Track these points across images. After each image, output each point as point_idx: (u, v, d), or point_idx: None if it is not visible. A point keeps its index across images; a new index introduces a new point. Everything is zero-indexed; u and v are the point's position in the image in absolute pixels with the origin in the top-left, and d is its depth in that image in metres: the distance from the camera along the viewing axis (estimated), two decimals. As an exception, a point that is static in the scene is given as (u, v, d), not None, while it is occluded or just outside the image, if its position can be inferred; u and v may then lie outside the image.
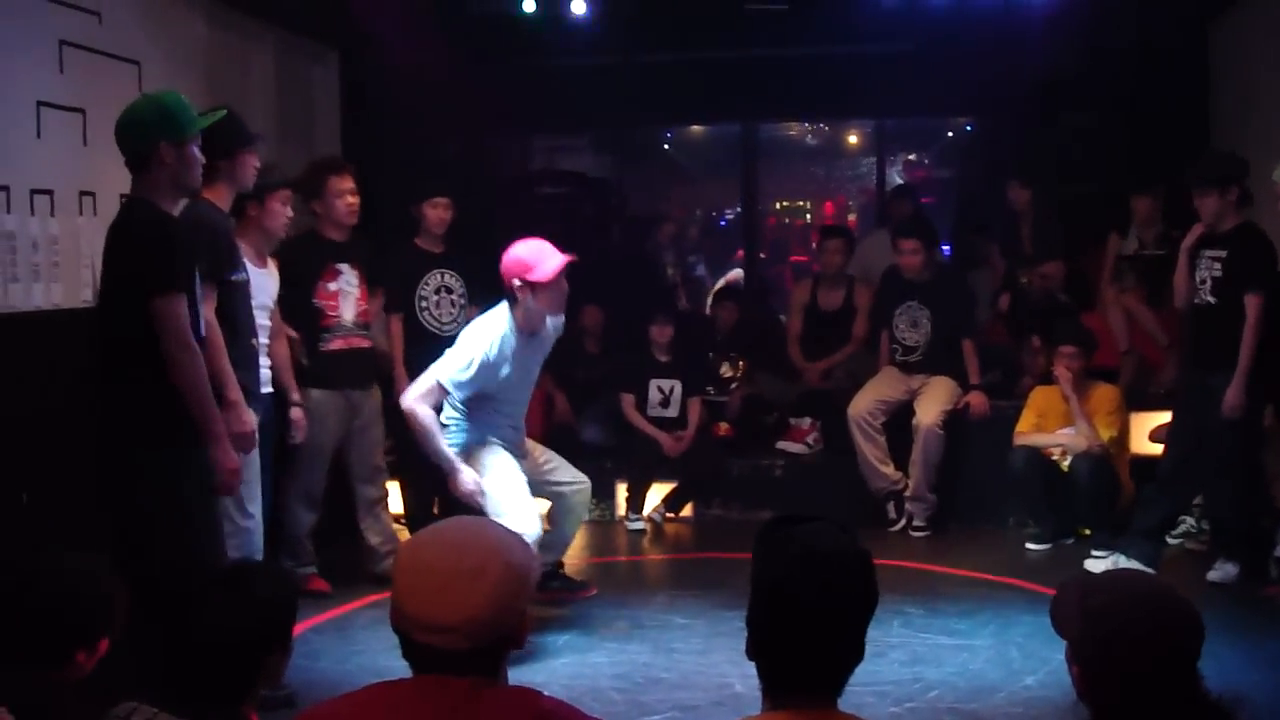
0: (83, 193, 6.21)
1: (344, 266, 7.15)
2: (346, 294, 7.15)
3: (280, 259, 6.76)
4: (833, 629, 2.55)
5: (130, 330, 4.64)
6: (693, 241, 13.69)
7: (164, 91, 5.09)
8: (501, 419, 6.36)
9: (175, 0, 7.22)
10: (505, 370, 6.17)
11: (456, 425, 6.31)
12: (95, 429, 4.78)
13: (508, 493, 6.13)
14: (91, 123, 6.27)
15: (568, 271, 6.16)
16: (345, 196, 7.11)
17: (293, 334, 6.90)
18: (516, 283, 6.09)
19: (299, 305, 6.97)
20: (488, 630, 2.43)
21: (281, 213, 6.45)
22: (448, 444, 6.18)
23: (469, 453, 6.27)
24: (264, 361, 6.33)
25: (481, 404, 6.27)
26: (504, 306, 6.20)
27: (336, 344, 7.13)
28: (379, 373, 7.61)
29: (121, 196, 6.40)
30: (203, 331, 4.89)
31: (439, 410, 6.24)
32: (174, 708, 2.73)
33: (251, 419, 5.57)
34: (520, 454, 6.43)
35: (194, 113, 4.89)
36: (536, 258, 6.10)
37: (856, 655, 2.59)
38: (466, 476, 6.16)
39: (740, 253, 13.43)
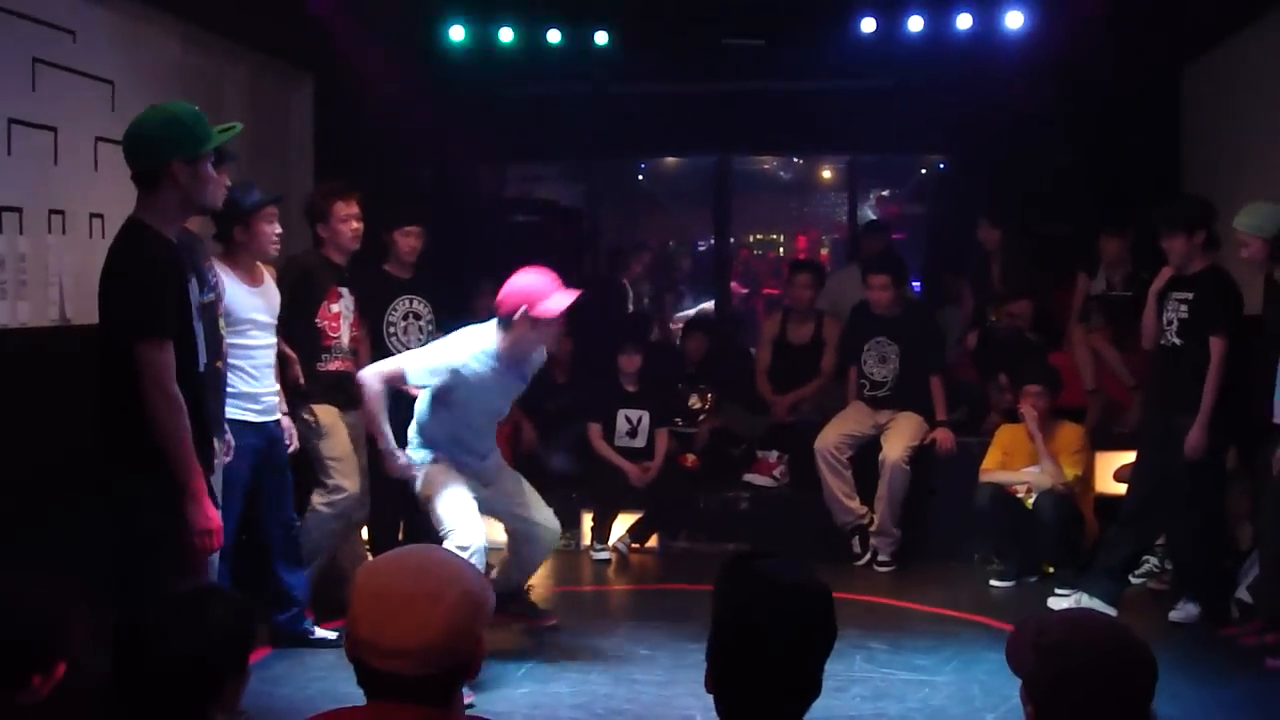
0: (52, 211, 6.19)
1: (344, 290, 7.13)
2: (345, 317, 7.13)
3: (287, 279, 6.76)
4: (791, 661, 2.60)
5: (124, 360, 4.45)
6: (681, 272, 13.74)
7: (176, 103, 4.79)
8: (461, 448, 6.32)
9: (150, 20, 7.22)
10: (475, 388, 6.11)
11: (415, 444, 6.32)
12: (82, 450, 4.70)
13: (453, 506, 6.09)
14: (62, 141, 6.27)
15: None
16: (351, 222, 7.10)
17: (290, 354, 6.85)
18: (518, 312, 5.98)
19: (302, 325, 6.94)
20: (443, 656, 2.42)
21: (269, 233, 6.36)
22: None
23: (421, 470, 6.26)
24: (267, 386, 6.38)
25: (445, 425, 6.24)
26: (494, 326, 6.11)
27: (335, 365, 7.09)
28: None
29: (92, 216, 6.44)
30: (200, 365, 4.71)
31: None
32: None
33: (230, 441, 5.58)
34: (483, 481, 6.40)
35: (209, 126, 4.58)
36: (544, 291, 6.01)
37: (814, 690, 2.64)
38: (401, 460, 6.20)
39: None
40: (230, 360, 6.09)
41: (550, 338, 6.22)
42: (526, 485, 6.67)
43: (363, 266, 7.91)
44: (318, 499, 7.02)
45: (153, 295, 4.43)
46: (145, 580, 4.38)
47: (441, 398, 6.18)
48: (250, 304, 6.29)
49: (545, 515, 6.61)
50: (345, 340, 7.15)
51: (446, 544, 5.90)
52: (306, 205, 7.09)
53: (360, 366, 7.38)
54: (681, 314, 13.34)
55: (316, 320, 7.03)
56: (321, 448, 7.00)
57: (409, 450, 6.30)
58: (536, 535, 6.59)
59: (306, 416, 6.92)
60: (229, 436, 5.87)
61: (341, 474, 7.05)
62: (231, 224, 6.21)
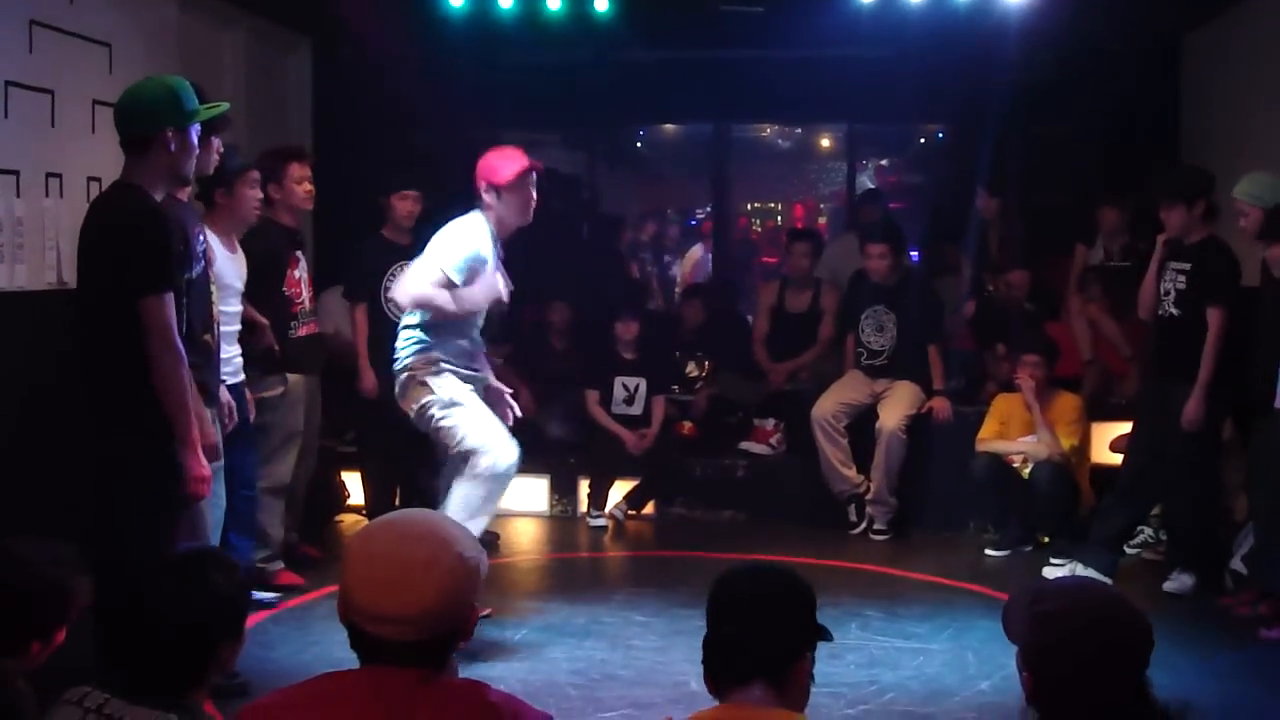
0: (49, 174, 6.20)
1: (300, 254, 7.15)
2: (304, 280, 7.16)
3: (248, 247, 6.70)
4: (770, 626, 2.75)
5: (115, 322, 4.53)
6: (672, 241, 13.69)
7: (169, 75, 5.00)
8: (465, 357, 6.19)
9: (148, -17, 7.20)
10: (487, 267, 6.10)
11: (412, 340, 6.12)
12: (77, 415, 4.70)
13: (476, 422, 6.02)
14: (60, 104, 6.26)
15: (538, 183, 6.27)
16: (304, 184, 7.11)
17: (262, 320, 6.83)
18: (484, 186, 6.11)
19: (270, 293, 6.92)
20: (438, 622, 2.42)
21: (252, 197, 6.42)
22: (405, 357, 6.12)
23: (424, 383, 6.06)
24: (234, 350, 6.31)
25: (448, 332, 6.12)
26: (477, 212, 6.18)
27: (304, 330, 7.11)
28: (343, 363, 7.61)
29: (89, 179, 6.42)
30: (184, 329, 4.78)
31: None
32: (126, 694, 2.71)
33: (214, 432, 5.55)
34: (477, 386, 6.27)
35: (197, 99, 4.79)
36: (500, 161, 6.14)
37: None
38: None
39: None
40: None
41: (520, 208, 6.18)
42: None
43: (362, 232, 7.93)
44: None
45: (154, 250, 4.55)
46: (143, 544, 4.42)
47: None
48: (230, 270, 6.29)
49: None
50: (308, 303, 7.18)
51: (475, 465, 5.90)
52: (257, 164, 6.88)
53: (339, 328, 7.42)
54: (690, 253, 13.28)
55: (284, 289, 7.02)
56: (281, 422, 7.01)
57: (412, 368, 6.09)
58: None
59: (278, 389, 6.91)
60: (230, 401, 5.84)
61: (289, 454, 7.09)
62: (214, 188, 6.19)
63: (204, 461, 4.74)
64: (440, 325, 6.08)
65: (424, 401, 6.07)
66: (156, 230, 4.57)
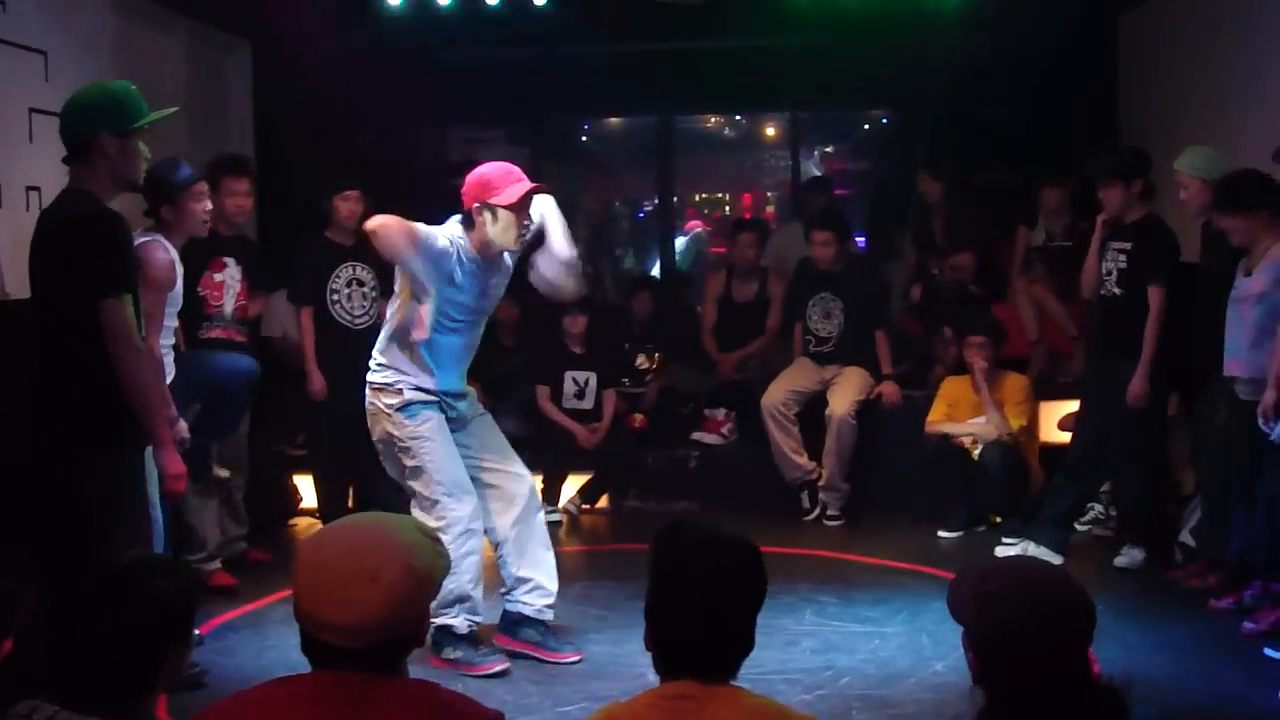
0: (-13, 184, 6.14)
1: (229, 260, 7.04)
2: (229, 287, 7.01)
3: None
4: (725, 614, 2.70)
5: (72, 327, 4.52)
6: (621, 234, 13.68)
7: (115, 80, 4.97)
8: (444, 353, 5.79)
9: (82, -11, 7.15)
10: (456, 277, 5.62)
11: (387, 367, 5.80)
12: (32, 424, 4.67)
13: (438, 466, 5.72)
14: (-6, 114, 6.21)
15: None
16: (237, 197, 7.04)
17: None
18: (476, 205, 5.62)
19: (184, 293, 6.83)
20: (383, 633, 2.44)
21: (197, 211, 6.11)
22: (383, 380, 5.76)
23: (395, 421, 5.73)
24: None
25: (435, 336, 5.68)
26: (455, 222, 5.72)
27: (215, 333, 6.98)
28: (291, 366, 7.57)
29: (28, 188, 6.37)
30: (143, 330, 4.80)
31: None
32: (76, 706, 2.71)
33: (183, 427, 5.54)
34: (459, 421, 5.97)
35: (145, 106, 4.73)
36: (502, 180, 5.62)
37: (747, 643, 2.73)
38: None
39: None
40: (164, 341, 6.04)
41: (511, 232, 5.65)
42: (495, 428, 6.22)
43: (305, 234, 7.89)
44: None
45: (114, 254, 4.55)
46: (90, 552, 4.42)
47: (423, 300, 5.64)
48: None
49: (521, 469, 6.15)
50: (229, 310, 7.03)
51: (429, 516, 5.61)
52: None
53: (251, 333, 7.33)
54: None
55: (198, 289, 6.90)
56: None
57: (381, 384, 5.79)
58: (514, 493, 6.07)
59: None
60: (181, 423, 5.73)
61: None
62: (159, 203, 6.11)
63: (179, 460, 4.77)
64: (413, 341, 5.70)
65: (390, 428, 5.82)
66: (114, 233, 4.57)
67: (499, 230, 5.62)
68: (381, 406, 5.78)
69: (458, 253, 5.62)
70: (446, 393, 5.87)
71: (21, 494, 4.80)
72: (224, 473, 7.12)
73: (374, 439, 5.89)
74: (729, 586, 2.70)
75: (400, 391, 5.75)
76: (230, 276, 7.04)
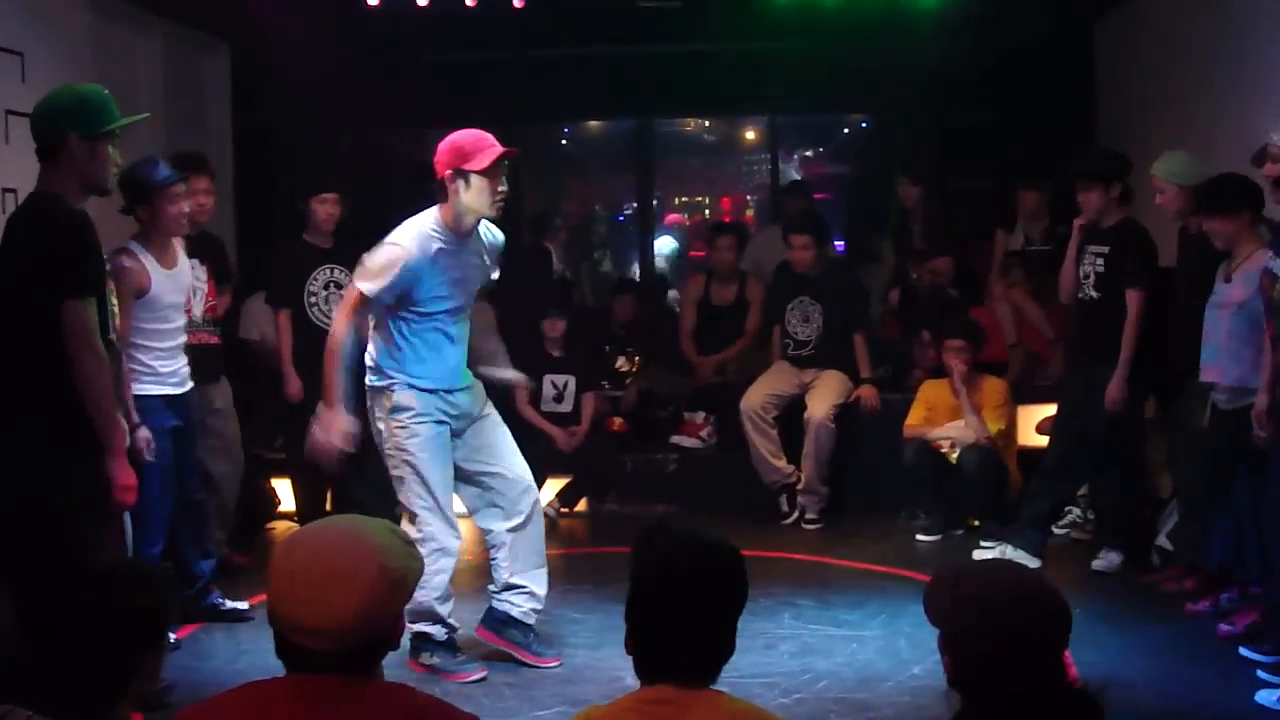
0: (-38, 186, 6.11)
1: (194, 262, 6.97)
2: (197, 290, 6.87)
3: None
4: (706, 618, 2.67)
5: (35, 330, 4.50)
6: (599, 237, 13.68)
7: (86, 84, 4.93)
8: (437, 353, 5.70)
9: (59, -10, 7.12)
10: (432, 276, 5.54)
11: (383, 364, 5.71)
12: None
13: (425, 482, 5.68)
14: (-31, 115, 6.18)
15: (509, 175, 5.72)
16: (199, 196, 6.96)
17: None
18: (449, 173, 5.51)
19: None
20: (357, 634, 2.43)
21: (173, 212, 6.09)
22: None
23: (389, 426, 5.68)
24: (180, 361, 6.23)
25: (418, 328, 5.64)
26: (432, 209, 5.63)
27: (188, 339, 6.94)
28: (270, 369, 7.54)
29: (4, 190, 6.35)
30: (111, 334, 4.78)
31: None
32: (51, 711, 2.69)
33: (146, 435, 5.52)
34: (464, 419, 5.87)
35: (116, 111, 4.70)
36: (475, 145, 5.52)
37: (728, 647, 2.71)
38: (339, 422, 5.54)
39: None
40: (148, 344, 6.02)
41: (487, 199, 5.54)
42: (501, 426, 6.08)
43: (283, 237, 7.86)
44: None
45: (78, 255, 4.53)
46: (60, 557, 4.37)
47: (401, 311, 5.61)
48: (169, 287, 6.11)
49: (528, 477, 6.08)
50: (198, 313, 6.91)
51: (408, 525, 5.62)
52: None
53: (225, 334, 7.29)
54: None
55: None
56: None
57: (375, 390, 5.73)
58: (516, 501, 6.04)
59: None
60: (143, 431, 5.64)
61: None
62: (135, 204, 6.06)
63: (129, 470, 4.71)
64: (399, 344, 5.67)
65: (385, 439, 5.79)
66: (78, 235, 4.55)
67: (473, 196, 5.53)
68: (378, 412, 5.76)
69: (424, 246, 5.54)
70: (444, 388, 5.78)
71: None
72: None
73: (374, 438, 5.86)
74: (710, 590, 2.68)
75: (392, 393, 5.70)
76: (197, 279, 6.90)
